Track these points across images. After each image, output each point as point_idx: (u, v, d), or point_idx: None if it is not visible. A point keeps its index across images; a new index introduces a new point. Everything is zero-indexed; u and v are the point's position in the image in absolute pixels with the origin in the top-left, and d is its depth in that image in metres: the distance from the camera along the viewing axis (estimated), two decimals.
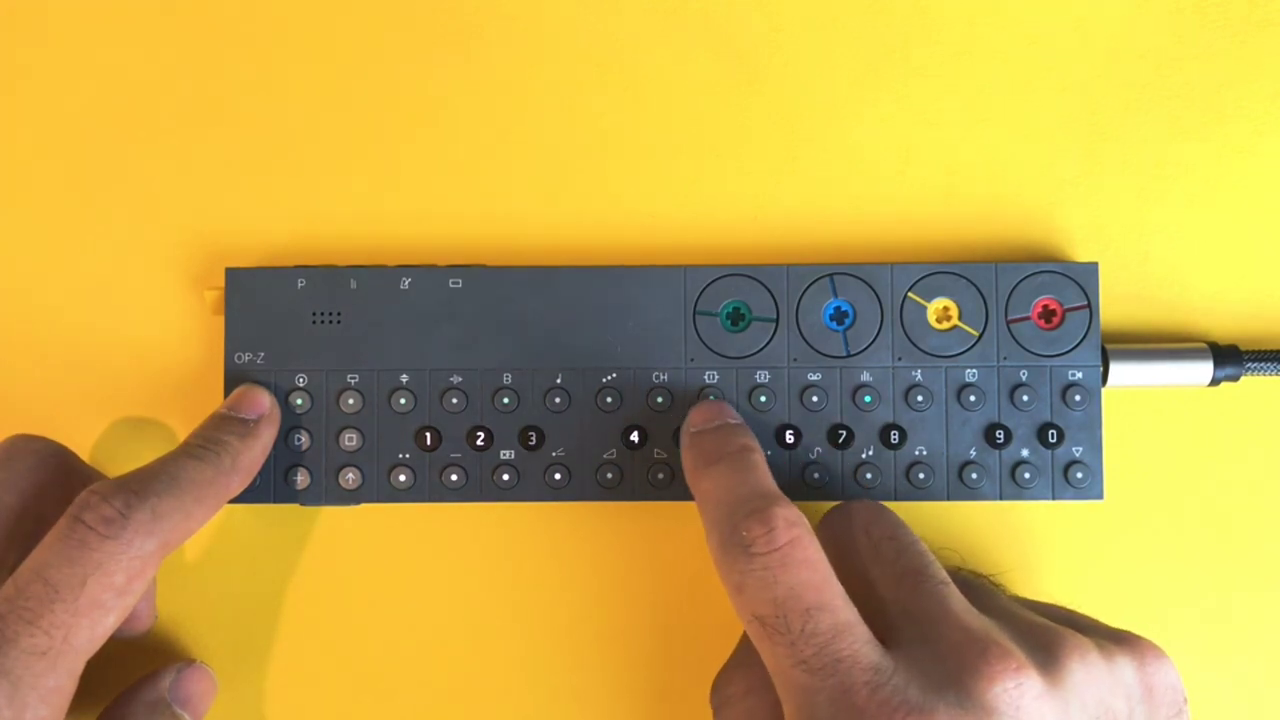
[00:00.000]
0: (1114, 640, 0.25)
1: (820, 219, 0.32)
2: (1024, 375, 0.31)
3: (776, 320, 0.31)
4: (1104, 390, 0.31)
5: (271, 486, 0.31)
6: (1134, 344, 0.31)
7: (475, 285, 0.31)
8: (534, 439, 0.31)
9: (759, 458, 0.28)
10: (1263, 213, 0.32)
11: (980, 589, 0.28)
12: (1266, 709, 0.31)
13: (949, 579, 0.26)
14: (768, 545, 0.24)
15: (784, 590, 0.24)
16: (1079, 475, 0.30)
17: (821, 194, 0.32)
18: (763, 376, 0.31)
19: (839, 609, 0.24)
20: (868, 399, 0.31)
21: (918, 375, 0.31)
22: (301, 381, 0.31)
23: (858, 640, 0.24)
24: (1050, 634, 0.25)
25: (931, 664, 0.24)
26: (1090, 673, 0.24)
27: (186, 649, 0.32)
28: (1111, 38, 0.32)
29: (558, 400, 0.31)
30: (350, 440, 0.31)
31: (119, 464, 0.32)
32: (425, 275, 0.31)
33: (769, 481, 0.27)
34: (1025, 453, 0.31)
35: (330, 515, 0.32)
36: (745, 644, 0.29)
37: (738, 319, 0.31)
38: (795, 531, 0.25)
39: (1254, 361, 0.31)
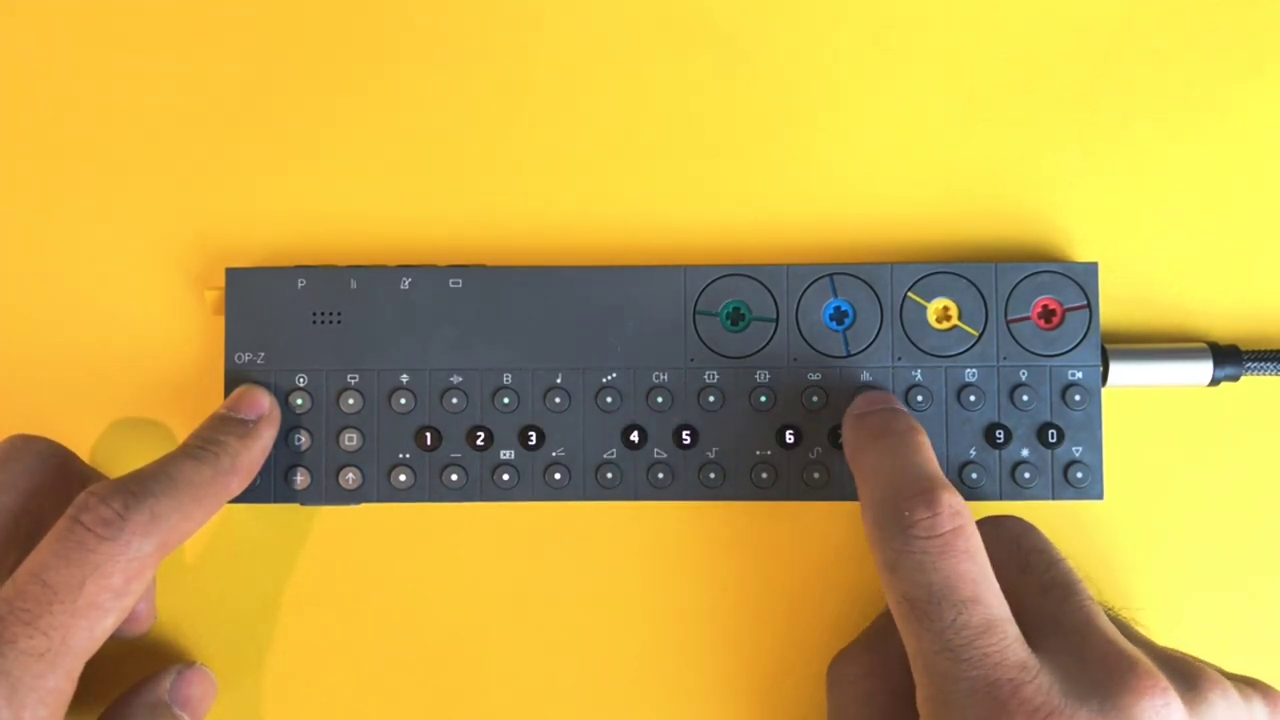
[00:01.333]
0: (1248, 684, 0.26)
1: (820, 219, 0.32)
2: (1024, 375, 0.31)
3: (776, 320, 0.31)
4: (1104, 390, 0.31)
5: (271, 486, 0.31)
6: (1134, 344, 0.31)
7: (475, 285, 0.31)
8: (534, 439, 0.31)
9: (925, 440, 0.28)
10: (1263, 213, 0.32)
11: (1119, 621, 0.28)
12: None
13: (1094, 599, 0.26)
14: (930, 530, 0.25)
15: (940, 577, 0.24)
16: (1079, 475, 0.30)
17: (821, 194, 0.32)
18: (763, 376, 0.31)
19: (993, 604, 0.24)
20: None
21: (917, 375, 0.31)
22: (301, 381, 0.31)
23: (1008, 637, 0.24)
24: (1192, 666, 0.25)
25: (1077, 671, 0.24)
26: (1231, 709, 0.24)
27: (186, 649, 0.32)
28: (1111, 37, 0.32)
29: (558, 400, 0.31)
30: (350, 440, 0.31)
31: (119, 464, 0.32)
32: (425, 275, 0.31)
33: (935, 466, 0.27)
34: (1025, 453, 0.30)
35: (330, 515, 0.32)
36: (873, 628, 0.29)
37: (738, 319, 0.31)
38: (959, 520, 0.25)
39: (1254, 361, 0.31)
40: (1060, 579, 0.26)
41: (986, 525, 0.28)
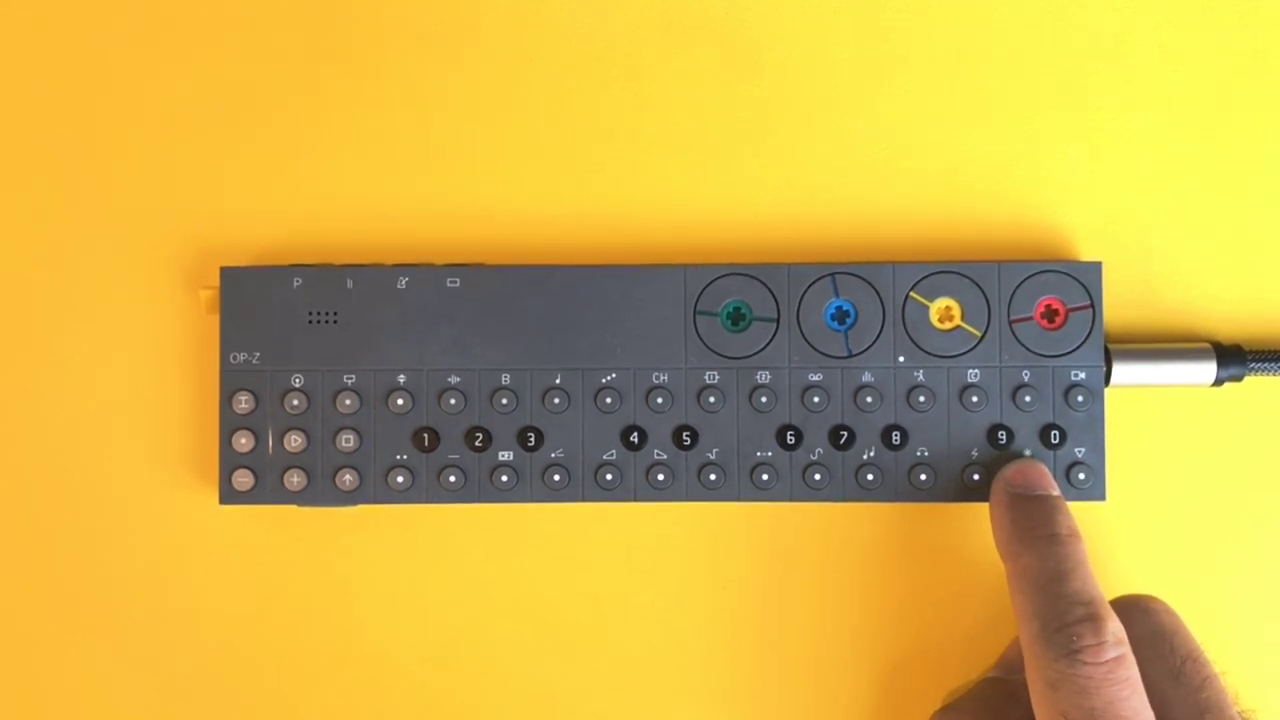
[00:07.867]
0: None
1: (821, 218, 0.32)
2: (1026, 376, 0.30)
3: (777, 320, 0.31)
4: (1107, 390, 0.30)
5: (268, 488, 0.30)
6: (1137, 344, 0.31)
7: (473, 284, 0.31)
8: (533, 440, 0.30)
9: (1085, 548, 0.28)
10: (1267, 212, 0.32)
11: None
12: (1270, 710, 0.31)
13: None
14: (1096, 657, 0.25)
15: (1100, 704, 0.25)
16: (1081, 476, 0.30)
17: (823, 193, 0.32)
18: (763, 377, 0.30)
19: None
20: (869, 399, 0.30)
21: (920, 376, 0.30)
22: (298, 382, 0.30)
23: None
24: None
25: None
26: None
27: (183, 651, 0.32)
28: (1116, 35, 0.32)
29: (556, 401, 0.30)
30: (347, 441, 0.30)
31: (112, 464, 0.32)
32: (422, 274, 0.31)
33: (1096, 583, 0.27)
34: (1028, 453, 0.30)
35: (327, 516, 0.31)
36: (976, 694, 0.30)
37: (738, 319, 0.31)
38: (1122, 650, 0.25)
39: (1258, 361, 0.31)
40: (1214, 701, 0.27)
41: (1136, 612, 0.28)
